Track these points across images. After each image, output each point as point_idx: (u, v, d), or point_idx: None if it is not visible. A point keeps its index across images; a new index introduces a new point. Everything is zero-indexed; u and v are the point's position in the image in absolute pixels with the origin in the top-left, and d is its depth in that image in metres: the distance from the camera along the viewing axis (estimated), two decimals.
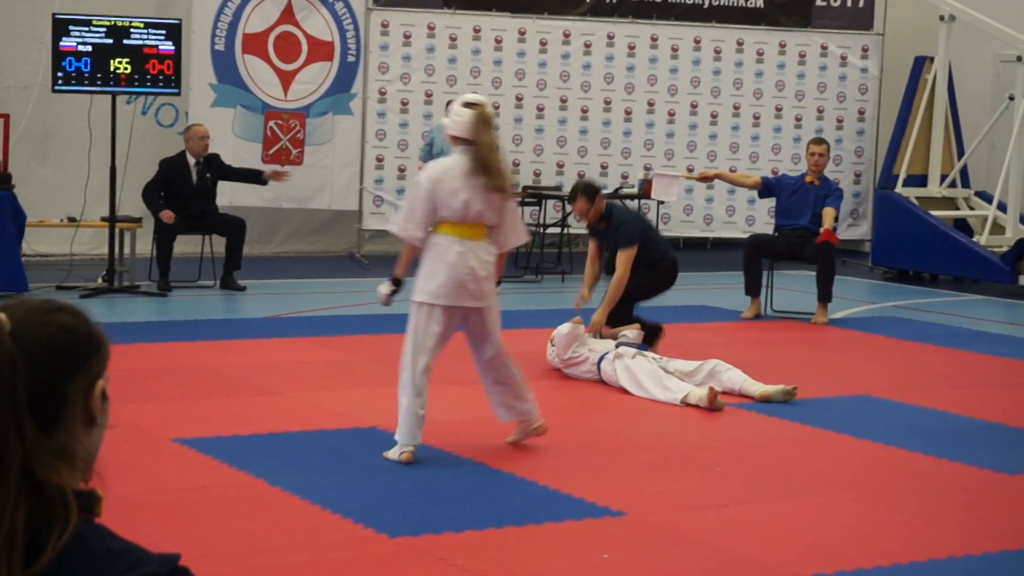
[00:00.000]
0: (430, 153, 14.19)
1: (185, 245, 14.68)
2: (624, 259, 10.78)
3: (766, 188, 13.80)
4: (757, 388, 9.77)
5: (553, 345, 10.42)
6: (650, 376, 9.73)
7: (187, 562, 6.18)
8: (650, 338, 10.85)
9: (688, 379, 9.81)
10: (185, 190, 14.19)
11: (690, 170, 17.87)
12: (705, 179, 14.32)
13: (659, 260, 11.08)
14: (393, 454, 7.66)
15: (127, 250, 14.07)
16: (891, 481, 7.80)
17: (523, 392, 8.01)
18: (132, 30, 13.55)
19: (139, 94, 14.62)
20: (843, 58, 18.34)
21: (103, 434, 2.22)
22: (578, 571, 6.03)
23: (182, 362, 10.37)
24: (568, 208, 13.83)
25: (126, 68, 13.50)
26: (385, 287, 7.96)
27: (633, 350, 10.14)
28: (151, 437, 8.07)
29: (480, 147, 7.64)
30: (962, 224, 17.50)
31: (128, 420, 8.47)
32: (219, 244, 14.40)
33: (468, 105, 7.71)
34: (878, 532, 6.79)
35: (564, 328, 10.33)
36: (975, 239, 16.80)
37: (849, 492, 7.48)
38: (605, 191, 16.88)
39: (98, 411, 2.21)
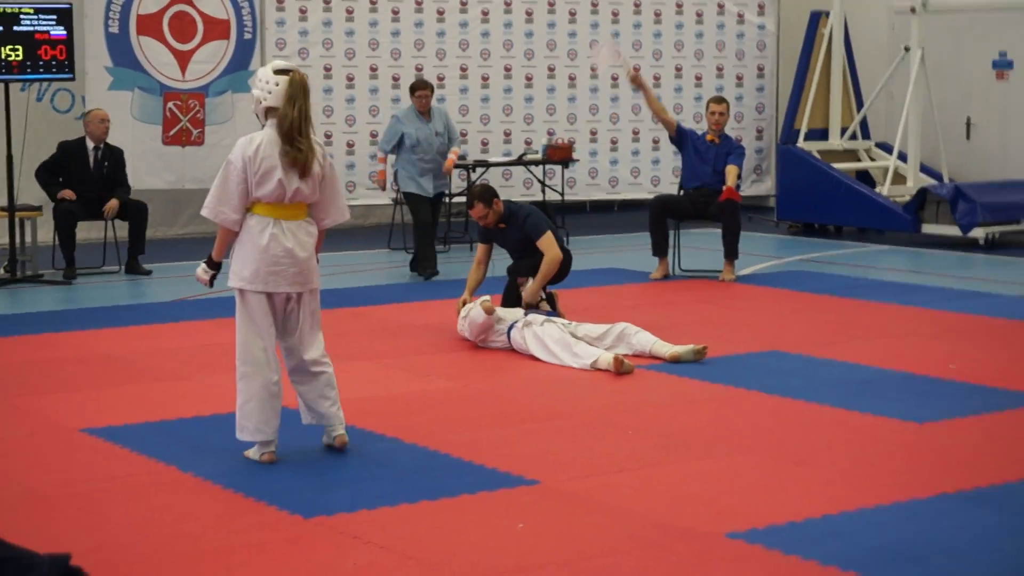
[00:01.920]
0: (398, 142, 14.15)
1: (88, 231, 14.51)
2: (548, 241, 10.76)
3: (679, 134, 13.80)
4: (667, 349, 9.81)
5: (464, 318, 10.38)
6: (559, 342, 9.75)
7: (100, 554, 6.13)
8: (550, 304, 10.87)
9: (598, 343, 9.83)
10: (83, 174, 14.03)
11: (593, 133, 17.92)
12: (636, 83, 14.17)
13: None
14: (253, 454, 7.33)
15: (28, 239, 13.88)
16: (802, 436, 7.86)
17: (332, 393, 7.47)
18: (22, 16, 13.34)
19: (32, 81, 14.40)
20: (740, 16, 18.41)
21: None
22: (494, 542, 6.03)
23: (88, 350, 10.26)
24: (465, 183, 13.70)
25: (18, 55, 13.30)
26: (203, 271, 7.43)
27: (542, 317, 10.15)
28: (58, 429, 7.98)
29: (287, 116, 7.11)
30: (864, 176, 17.66)
31: (34, 412, 8.39)
32: (122, 229, 14.25)
33: (279, 72, 7.17)
34: (791, 487, 6.84)
35: (477, 316, 10.24)
36: (877, 190, 16.95)
37: (761, 449, 7.52)
38: (509, 157, 16.97)
39: None
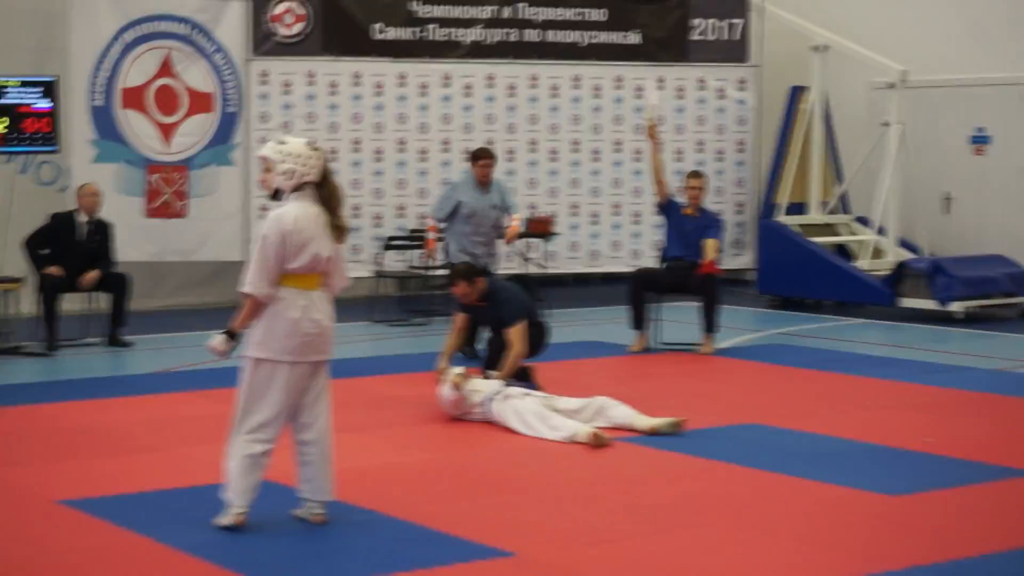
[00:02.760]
0: (452, 212, 13.42)
1: (70, 303, 14.55)
2: (518, 334, 10.85)
3: (668, 203, 13.93)
4: (645, 422, 9.86)
5: (443, 393, 10.43)
6: (537, 415, 9.80)
7: None
8: (525, 378, 10.93)
9: (576, 417, 9.88)
10: (71, 247, 14.08)
11: (574, 207, 18.03)
12: (651, 135, 14.26)
13: (533, 326, 11.15)
14: (225, 519, 7.32)
15: (10, 311, 13.92)
16: (777, 508, 7.89)
17: (329, 470, 7.52)
18: (7, 89, 13.45)
19: (16, 153, 14.48)
20: (720, 91, 18.57)
21: None
22: None
23: (68, 422, 10.28)
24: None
25: (3, 128, 13.39)
26: (222, 342, 7.39)
27: (521, 390, 10.20)
28: (35, 500, 7.98)
29: (332, 190, 7.36)
30: (844, 250, 17.77)
31: (11, 484, 8.40)
32: (105, 300, 14.29)
33: (313, 148, 7.31)
34: (764, 559, 6.87)
35: (448, 394, 10.30)
36: (856, 264, 17.06)
37: (736, 521, 7.56)
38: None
39: None
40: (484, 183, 13.44)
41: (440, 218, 13.59)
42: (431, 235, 13.97)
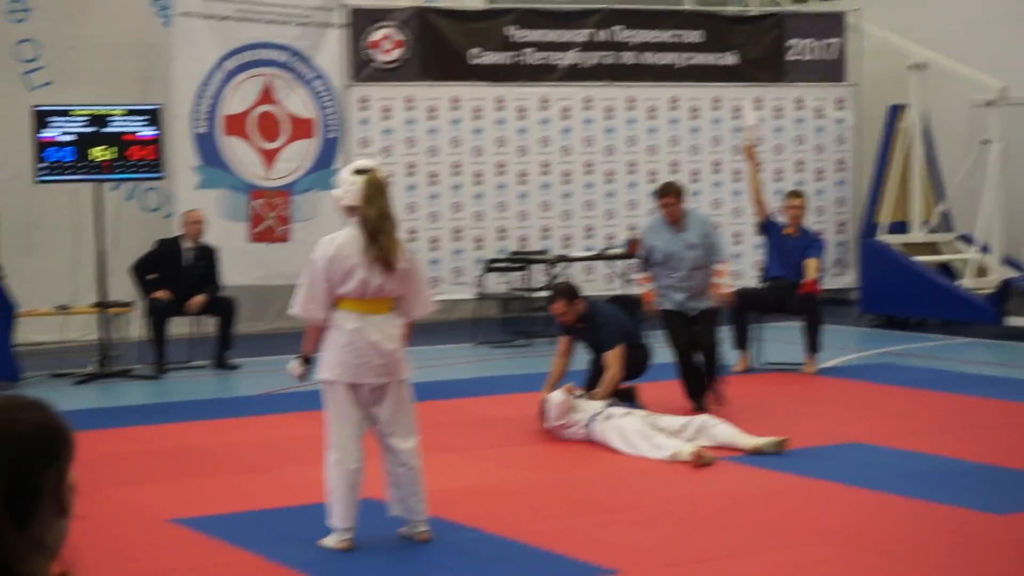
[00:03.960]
0: (647, 259, 11.74)
1: (177, 327, 14.76)
2: (615, 357, 10.89)
3: (768, 223, 13.94)
4: (748, 441, 9.85)
5: (545, 410, 10.50)
6: (639, 434, 9.82)
7: None
8: (628, 398, 10.95)
9: (678, 435, 9.89)
10: (177, 273, 14.32)
11: None
12: (749, 155, 14.32)
13: (635, 348, 11.17)
14: (331, 542, 7.46)
15: (119, 335, 14.16)
16: (881, 527, 7.86)
17: (418, 488, 7.60)
18: (113, 117, 13.70)
19: (122, 180, 14.74)
20: (819, 110, 18.51)
21: (70, 521, 2.29)
22: None
23: (176, 443, 10.44)
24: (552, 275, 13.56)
25: (109, 155, 13.65)
26: (297, 365, 7.66)
27: (623, 409, 10.24)
28: (146, 519, 8.14)
29: (367, 215, 7.33)
30: (947, 268, 17.63)
31: (122, 503, 8.56)
32: (211, 324, 14.50)
33: (358, 172, 7.41)
34: None
35: (557, 397, 10.39)
36: (960, 282, 16.93)
37: (839, 541, 7.54)
38: (591, 252, 17.13)
39: (68, 501, 2.28)
40: (674, 222, 11.59)
41: (643, 268, 11.90)
42: (645, 287, 11.83)
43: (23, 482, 2.20)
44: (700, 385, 11.37)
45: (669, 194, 11.59)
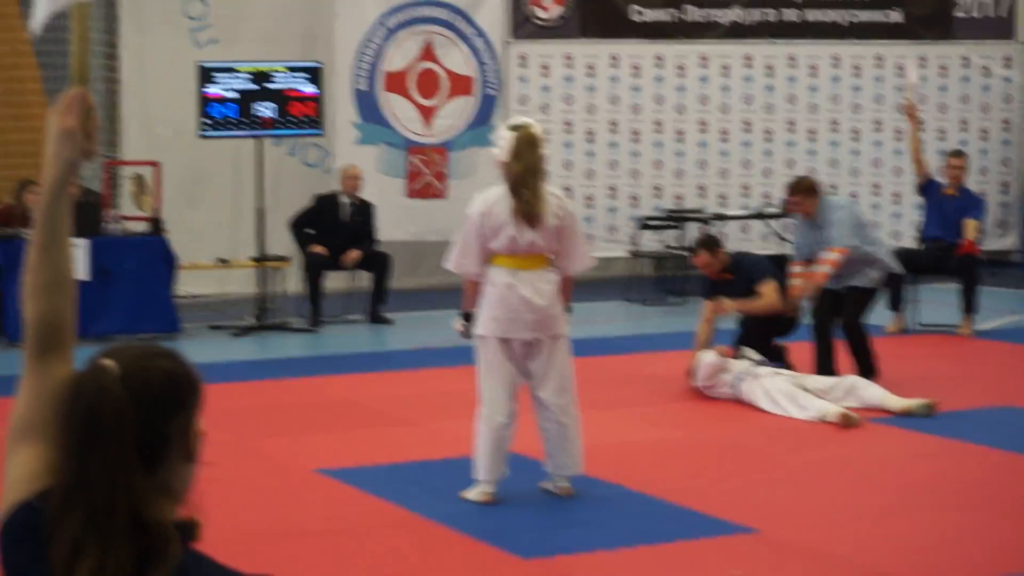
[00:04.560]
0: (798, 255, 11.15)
1: (333, 281, 14.96)
2: (770, 287, 10.74)
3: (928, 183, 13.76)
4: (898, 402, 9.75)
5: (695, 369, 10.48)
6: (786, 394, 9.78)
7: None
8: (777, 358, 10.86)
9: (826, 396, 9.82)
10: (335, 227, 14.51)
11: (833, 187, 17.85)
12: (910, 114, 14.12)
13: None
14: (473, 494, 7.55)
15: (277, 288, 14.41)
16: None
17: (567, 445, 7.63)
18: (275, 74, 13.93)
19: (283, 137, 14.98)
20: (985, 68, 18.17)
21: (197, 467, 2.37)
22: None
23: (329, 396, 10.62)
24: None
25: (270, 112, 13.89)
26: (458, 323, 7.84)
27: (771, 369, 10.20)
28: (296, 469, 8.31)
29: (513, 170, 7.38)
30: None
31: (273, 453, 8.75)
32: (366, 279, 14.69)
33: (513, 128, 7.47)
34: (1014, 544, 6.77)
35: (709, 357, 10.36)
36: None
37: (989, 505, 7.46)
38: (747, 211, 17.02)
39: (195, 447, 2.36)
40: (808, 218, 11.03)
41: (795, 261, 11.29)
42: (794, 282, 11.02)
43: (153, 428, 2.27)
44: (829, 357, 10.79)
45: (795, 192, 11.09)
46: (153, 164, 14.01)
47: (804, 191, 10.99)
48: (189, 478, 2.35)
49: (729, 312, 10.82)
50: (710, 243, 11.08)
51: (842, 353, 10.74)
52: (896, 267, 11.35)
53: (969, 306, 13.27)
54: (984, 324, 13.60)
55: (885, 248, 11.36)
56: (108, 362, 2.27)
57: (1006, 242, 18.34)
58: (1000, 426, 9.38)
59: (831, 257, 10.69)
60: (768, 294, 10.75)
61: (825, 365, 10.69)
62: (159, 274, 13.26)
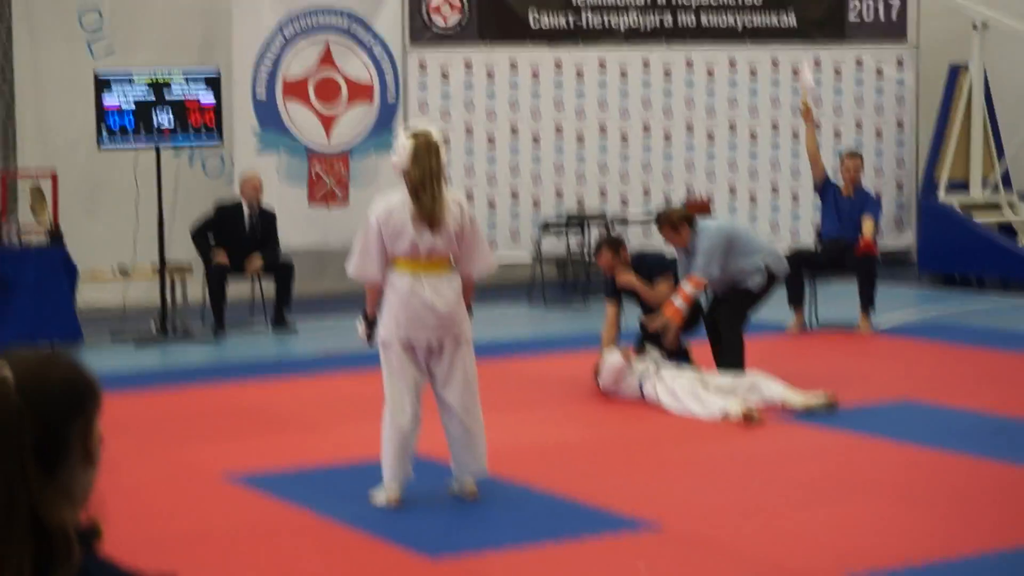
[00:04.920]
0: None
1: (236, 289, 14.91)
2: (669, 285, 10.87)
3: (825, 183, 13.95)
4: (798, 398, 9.88)
5: (600, 371, 10.56)
6: (689, 394, 9.89)
7: None
8: (682, 357, 10.99)
9: (730, 394, 9.94)
10: (237, 235, 14.47)
11: (732, 189, 18.04)
12: (806, 117, 14.24)
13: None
14: (380, 497, 7.58)
15: (179, 298, 14.33)
16: (928, 483, 7.90)
17: (472, 446, 7.68)
18: (173, 83, 13.86)
19: (183, 146, 14.91)
20: (878, 71, 18.43)
21: (97, 472, 2.38)
22: None
23: (235, 403, 10.60)
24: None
25: (169, 121, 13.82)
26: (360, 327, 7.83)
27: (674, 368, 10.30)
28: (202, 476, 8.29)
29: (411, 175, 7.40)
30: (1007, 227, 17.53)
31: (182, 460, 8.72)
32: (269, 287, 14.66)
33: (410, 134, 7.50)
34: (914, 533, 6.91)
35: (613, 358, 10.44)
36: (1020, 242, 16.84)
37: (886, 496, 7.59)
38: (647, 214, 17.13)
39: (95, 451, 2.37)
40: (683, 248, 11.00)
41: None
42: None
43: (51, 433, 2.28)
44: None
45: (662, 226, 11.09)
46: (51, 175, 13.89)
47: (670, 225, 10.94)
48: (90, 483, 2.36)
49: (629, 285, 10.89)
50: (613, 243, 11.18)
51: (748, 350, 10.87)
52: (781, 271, 11.23)
53: (867, 303, 13.47)
54: (883, 321, 13.81)
55: (770, 253, 11.19)
56: (3, 369, 2.28)
57: (902, 240, 18.61)
58: (899, 420, 9.54)
59: (684, 290, 10.71)
60: (665, 289, 10.87)
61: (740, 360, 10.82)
62: (60, 284, 13.16)
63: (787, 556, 6.50)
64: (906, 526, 7.02)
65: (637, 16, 17.85)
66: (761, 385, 10.06)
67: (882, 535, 6.87)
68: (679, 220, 10.91)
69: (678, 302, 10.67)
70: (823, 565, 6.35)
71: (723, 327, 10.90)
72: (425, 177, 7.40)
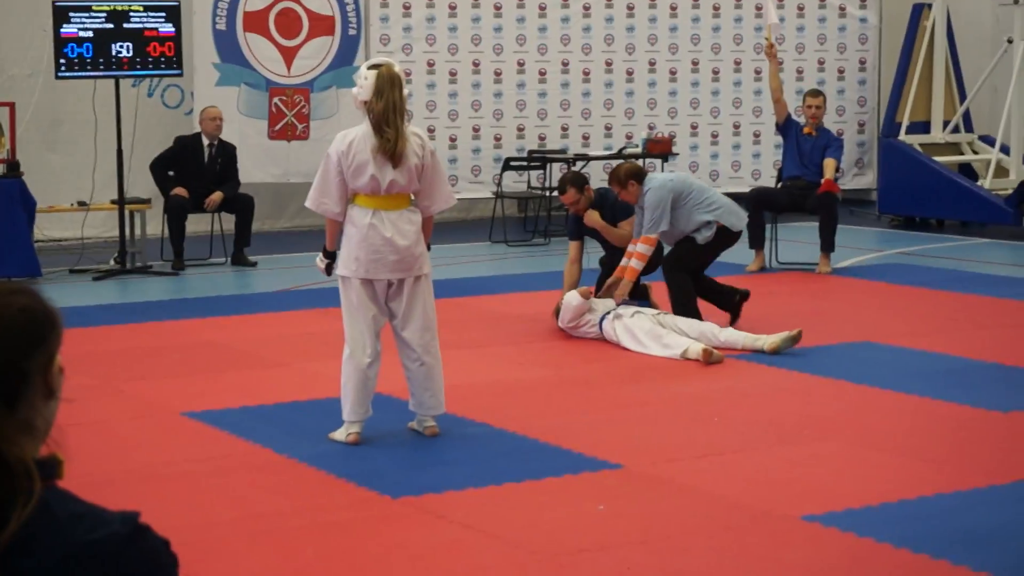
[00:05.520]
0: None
1: (196, 224, 14.84)
2: (630, 223, 10.88)
3: (787, 122, 13.91)
4: (763, 340, 9.82)
5: (561, 311, 10.55)
6: (649, 333, 9.89)
7: (195, 530, 6.37)
8: (642, 296, 11.01)
9: (687, 333, 9.94)
10: (197, 169, 14.38)
11: (694, 127, 18.02)
12: (770, 55, 14.21)
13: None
14: (339, 435, 7.56)
15: (138, 232, 14.24)
16: (886, 424, 7.94)
17: (431, 384, 7.65)
18: (132, 13, 13.72)
19: (141, 77, 14.79)
20: (842, 9, 18.39)
21: (59, 404, 2.36)
22: (574, 522, 6.20)
23: (193, 338, 10.55)
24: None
25: (127, 52, 13.68)
26: (320, 260, 7.78)
27: (632, 308, 10.30)
28: (161, 412, 8.26)
29: (375, 108, 7.31)
30: (967, 169, 17.58)
31: (138, 396, 8.69)
32: (229, 222, 14.58)
33: (373, 67, 7.41)
34: (870, 473, 6.94)
35: (573, 299, 10.42)
36: (980, 183, 16.89)
37: (846, 436, 7.62)
38: (610, 151, 17.12)
39: (56, 384, 2.34)
40: (635, 202, 10.87)
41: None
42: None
43: (11, 366, 2.25)
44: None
45: (610, 184, 10.93)
46: (8, 105, 13.74)
47: (618, 182, 10.72)
48: (51, 416, 2.33)
49: (595, 225, 10.89)
50: (578, 180, 11.14)
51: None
52: (738, 224, 10.94)
53: (827, 244, 13.49)
54: (843, 262, 13.85)
55: (726, 209, 10.88)
56: None
57: (863, 181, 18.65)
58: (857, 361, 9.57)
59: (637, 250, 10.62)
60: (629, 228, 10.85)
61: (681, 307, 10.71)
62: (17, 217, 13.05)
63: (747, 496, 6.52)
64: (864, 467, 7.06)
65: None
66: (716, 331, 10.02)
67: (840, 475, 6.91)
68: (626, 176, 10.69)
69: (633, 262, 10.63)
70: (780, 505, 6.37)
71: (666, 276, 10.79)
72: (388, 111, 7.32)
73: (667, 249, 10.93)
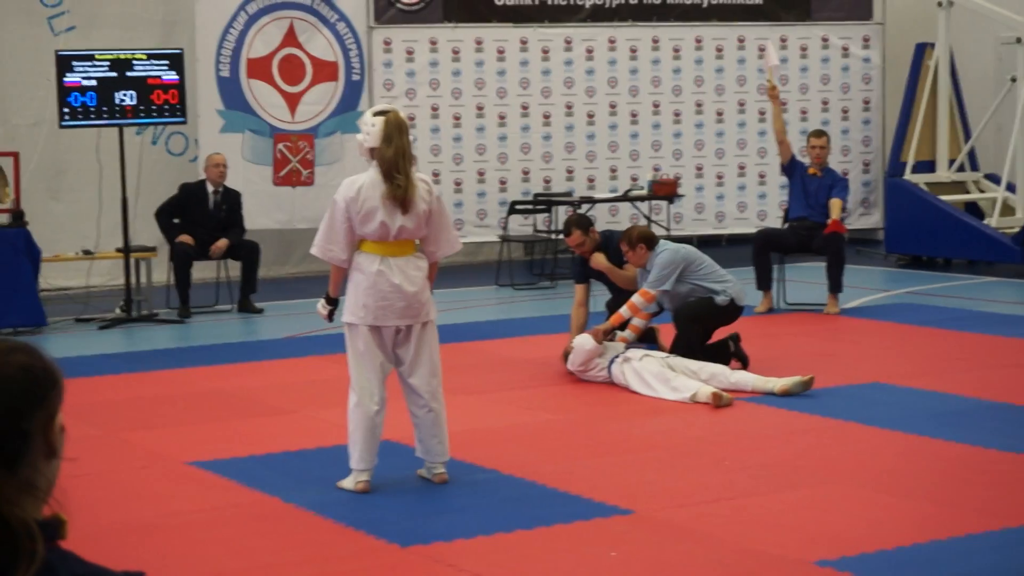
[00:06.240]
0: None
1: (202, 271, 14.82)
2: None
3: (792, 163, 13.88)
4: (776, 383, 9.76)
5: (572, 354, 10.49)
6: (657, 376, 9.84)
7: None
8: (649, 340, 10.96)
9: (696, 376, 9.88)
10: (201, 217, 14.37)
11: (699, 168, 18.00)
12: (772, 96, 14.20)
13: None
14: (348, 483, 7.51)
15: (144, 279, 14.22)
16: (898, 466, 7.88)
17: (438, 431, 7.61)
18: (135, 62, 13.73)
19: (145, 125, 14.78)
20: (845, 49, 18.41)
21: (60, 463, 2.31)
22: (586, 570, 6.13)
23: (199, 387, 10.51)
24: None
25: (131, 100, 13.68)
26: (322, 307, 7.76)
27: (641, 352, 10.25)
28: (166, 462, 8.20)
29: (384, 155, 7.31)
30: (973, 207, 17.55)
31: (144, 446, 8.63)
32: (235, 268, 14.56)
33: (379, 114, 7.40)
34: (884, 517, 6.87)
35: (586, 343, 10.36)
36: (986, 221, 16.86)
37: (856, 479, 7.55)
38: (615, 193, 17.10)
39: (57, 443, 2.29)
40: (641, 267, 10.94)
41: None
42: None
43: (12, 425, 2.22)
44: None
45: (619, 243, 10.94)
46: (12, 154, 13.74)
47: (628, 243, 10.76)
48: (53, 475, 2.29)
49: (601, 267, 10.86)
50: (583, 222, 11.12)
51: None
52: (743, 300, 10.97)
53: (835, 285, 13.44)
54: (850, 302, 13.80)
55: (733, 281, 10.95)
56: None
57: (869, 220, 18.62)
58: (867, 402, 9.51)
59: (633, 301, 10.59)
60: (634, 272, 10.82)
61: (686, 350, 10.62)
62: (22, 267, 13.03)
63: (758, 541, 6.45)
64: (876, 510, 6.98)
65: None
66: (726, 373, 9.97)
67: (852, 519, 6.84)
68: (638, 239, 10.72)
69: (624, 311, 10.60)
70: (793, 550, 6.31)
71: (678, 325, 10.75)
72: (399, 157, 7.30)
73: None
